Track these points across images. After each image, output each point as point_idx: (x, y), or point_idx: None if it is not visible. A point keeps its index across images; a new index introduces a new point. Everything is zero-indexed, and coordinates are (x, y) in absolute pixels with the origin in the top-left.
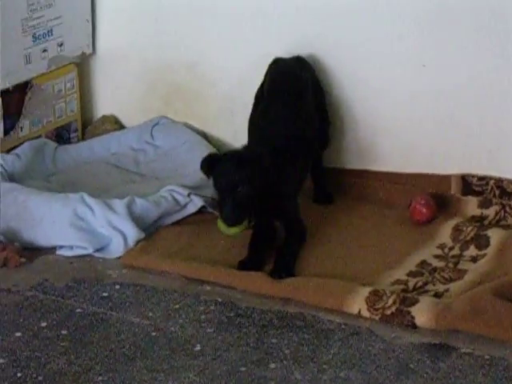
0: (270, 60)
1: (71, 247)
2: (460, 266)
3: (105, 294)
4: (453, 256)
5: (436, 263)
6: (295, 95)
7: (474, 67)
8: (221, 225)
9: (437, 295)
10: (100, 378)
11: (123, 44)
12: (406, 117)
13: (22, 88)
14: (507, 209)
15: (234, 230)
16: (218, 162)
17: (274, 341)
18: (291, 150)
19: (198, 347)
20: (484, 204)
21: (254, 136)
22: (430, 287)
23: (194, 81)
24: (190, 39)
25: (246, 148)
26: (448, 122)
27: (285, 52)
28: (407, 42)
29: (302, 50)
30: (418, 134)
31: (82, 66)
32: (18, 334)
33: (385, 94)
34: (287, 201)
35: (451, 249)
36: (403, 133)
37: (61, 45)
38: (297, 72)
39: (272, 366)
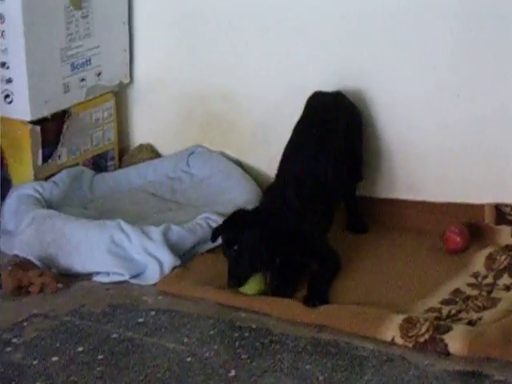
0: (305, 90)
1: (108, 273)
2: (493, 295)
3: (140, 320)
4: (486, 284)
5: (469, 291)
6: (323, 134)
7: (506, 95)
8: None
9: (470, 323)
10: None
11: (160, 73)
12: (438, 146)
13: (61, 117)
14: None
15: (250, 291)
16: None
17: (308, 367)
18: (311, 192)
19: (233, 373)
20: None
21: (280, 171)
22: (463, 315)
23: (230, 110)
24: (227, 68)
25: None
26: (480, 151)
27: (321, 83)
28: (441, 73)
29: (339, 82)
30: (450, 162)
31: (120, 95)
32: (55, 359)
33: (418, 124)
34: (314, 241)
35: (485, 277)
36: (436, 162)
37: (99, 74)
38: (330, 109)
39: None
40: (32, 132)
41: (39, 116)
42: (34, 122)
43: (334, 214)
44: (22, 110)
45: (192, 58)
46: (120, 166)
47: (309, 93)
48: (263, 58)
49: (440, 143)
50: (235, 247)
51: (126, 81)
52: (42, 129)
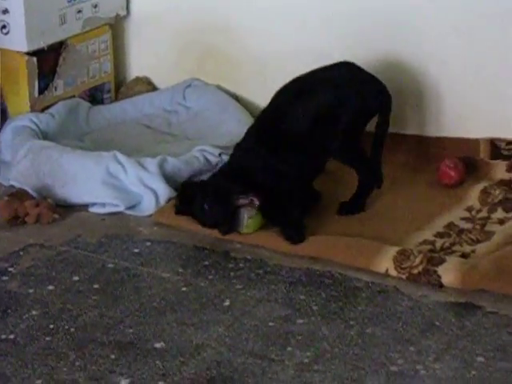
0: (306, 23)
1: (103, 205)
2: (487, 228)
3: (136, 250)
4: (480, 218)
5: (463, 225)
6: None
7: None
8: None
9: (463, 256)
10: (131, 330)
11: (157, 6)
12: (435, 80)
13: (57, 48)
14: None
15: (249, 229)
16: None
17: (301, 297)
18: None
19: (227, 302)
20: None
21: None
22: (456, 248)
23: (227, 43)
24: (225, 2)
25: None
26: (478, 86)
27: (322, 20)
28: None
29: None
30: (447, 97)
31: (117, 27)
32: (51, 288)
33: (413, 57)
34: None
35: (479, 211)
36: (432, 97)
37: (95, 6)
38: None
39: (299, 321)
40: (28, 63)
41: (36, 47)
42: (30, 54)
43: (317, 165)
44: (19, 40)
45: None
46: (116, 99)
47: (309, 27)
48: None
49: (436, 78)
50: (205, 206)
51: (123, 13)
52: (38, 60)
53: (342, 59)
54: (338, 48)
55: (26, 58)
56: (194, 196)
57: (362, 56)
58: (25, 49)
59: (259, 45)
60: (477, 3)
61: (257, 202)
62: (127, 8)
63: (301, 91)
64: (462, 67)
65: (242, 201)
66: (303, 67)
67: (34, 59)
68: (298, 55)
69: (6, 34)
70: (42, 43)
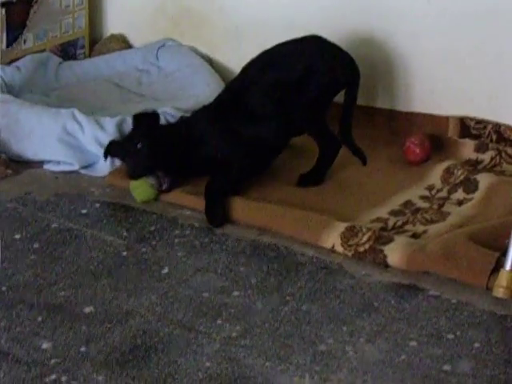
0: None
1: (58, 162)
2: (444, 209)
3: (83, 211)
4: (439, 198)
5: (420, 204)
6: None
7: (486, 12)
8: (133, 191)
9: (414, 236)
10: (62, 293)
11: None
12: (407, 53)
13: (28, 0)
14: (503, 155)
15: (141, 197)
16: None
17: (242, 269)
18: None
19: (166, 270)
20: (480, 148)
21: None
22: (409, 227)
23: (203, 4)
24: None
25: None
26: (450, 63)
27: None
28: None
29: None
30: (418, 72)
31: None
32: None
33: (388, 31)
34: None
35: (439, 191)
36: (403, 70)
37: None
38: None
39: (235, 293)
40: None
41: None
42: None
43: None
44: None
45: None
46: (90, 56)
47: None
48: None
49: (408, 50)
50: (139, 145)
51: None
52: (7, 11)
53: (314, 30)
54: (312, 19)
55: None
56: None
57: (334, 29)
58: None
59: (235, 9)
60: None
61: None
62: None
63: (269, 63)
64: (433, 42)
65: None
66: (277, 35)
67: (3, 10)
68: (273, 23)
69: None
70: None
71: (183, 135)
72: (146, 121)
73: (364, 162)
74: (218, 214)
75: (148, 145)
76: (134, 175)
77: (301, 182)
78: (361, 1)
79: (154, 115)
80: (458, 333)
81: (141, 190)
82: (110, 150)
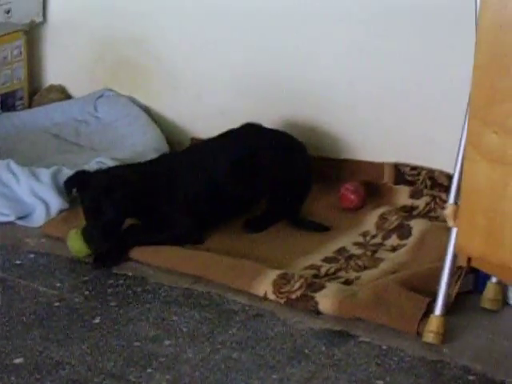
0: (217, 42)
1: None
2: (378, 255)
3: (18, 262)
4: (373, 244)
5: (354, 250)
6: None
7: (416, 56)
8: (74, 244)
9: (347, 282)
10: None
11: (74, 14)
12: (341, 102)
13: None
14: (437, 200)
15: (83, 253)
16: (87, 182)
17: (174, 318)
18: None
19: (98, 320)
20: (415, 194)
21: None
22: (342, 274)
23: (140, 55)
24: (139, 14)
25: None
26: (384, 110)
27: (233, 36)
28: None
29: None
30: (353, 119)
31: (32, 33)
32: None
33: (323, 75)
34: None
35: (374, 237)
36: (338, 118)
37: (8, 12)
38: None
39: (166, 342)
40: None
41: None
42: None
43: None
44: None
45: (105, 2)
46: (30, 106)
47: (222, 45)
48: (177, 6)
49: (343, 99)
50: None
51: (39, 20)
52: None
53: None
54: (247, 70)
55: None
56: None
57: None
58: None
59: (172, 59)
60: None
61: None
62: (43, 15)
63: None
64: (364, 90)
65: None
66: (214, 86)
67: None
68: (210, 74)
69: None
70: None
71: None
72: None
73: (327, 230)
74: (109, 258)
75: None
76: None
77: (247, 227)
78: None
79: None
80: (388, 378)
81: (79, 244)
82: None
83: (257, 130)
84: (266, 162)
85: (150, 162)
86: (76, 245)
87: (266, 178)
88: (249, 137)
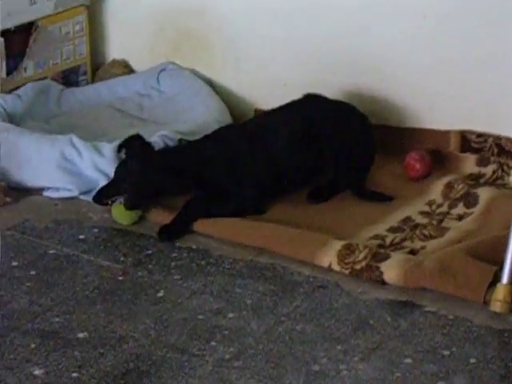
0: (280, 11)
1: (57, 189)
2: (444, 224)
3: (81, 237)
4: (439, 213)
5: (420, 220)
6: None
7: (477, 19)
8: (116, 213)
9: (412, 252)
10: (57, 319)
11: None
12: (405, 70)
13: (27, 29)
14: (505, 168)
15: (127, 221)
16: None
17: (238, 290)
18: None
19: (161, 293)
20: (482, 162)
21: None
22: (407, 244)
23: (202, 27)
24: None
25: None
26: (449, 77)
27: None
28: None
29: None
30: (417, 87)
31: (94, 8)
32: None
33: (386, 45)
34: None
35: (440, 206)
36: (402, 86)
37: None
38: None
39: (230, 315)
40: None
41: (2, 28)
42: None
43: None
44: None
45: None
46: (93, 82)
47: (284, 16)
48: None
49: (407, 67)
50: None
51: None
52: (6, 40)
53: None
54: (309, 41)
55: None
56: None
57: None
58: None
59: (234, 30)
60: None
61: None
62: None
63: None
64: (429, 57)
65: None
66: (277, 56)
67: (1, 40)
68: (272, 44)
69: None
70: (9, 24)
71: (187, 160)
72: (135, 147)
73: (390, 200)
74: (173, 231)
75: (144, 174)
76: (133, 206)
77: (311, 197)
78: None
79: (139, 137)
80: (454, 349)
81: (123, 213)
82: (101, 197)
83: (319, 101)
84: (328, 133)
85: (211, 134)
86: (118, 212)
87: (329, 150)
88: (311, 108)
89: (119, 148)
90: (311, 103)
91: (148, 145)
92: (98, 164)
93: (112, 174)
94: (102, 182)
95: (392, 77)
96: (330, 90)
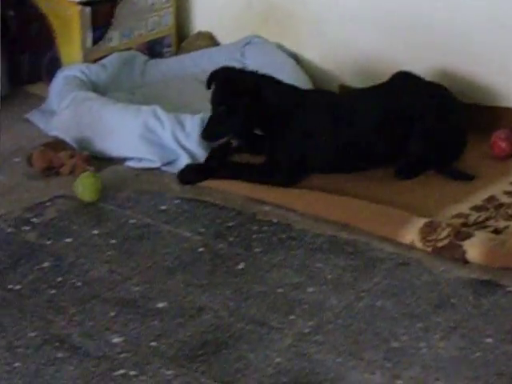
0: None
1: (140, 159)
2: None
3: (163, 207)
4: None
5: (504, 199)
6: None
7: None
8: (76, 189)
9: (496, 231)
10: (137, 288)
11: None
12: (493, 48)
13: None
14: None
15: (88, 197)
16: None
17: (318, 265)
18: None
19: (241, 266)
20: None
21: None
22: (491, 223)
23: (289, 1)
24: None
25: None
26: None
27: None
28: None
29: None
30: (506, 66)
31: None
32: (68, 240)
33: (474, 26)
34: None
35: None
36: (490, 65)
37: None
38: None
39: (310, 289)
40: (82, 13)
41: None
42: (84, 3)
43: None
44: None
45: None
46: (177, 53)
47: None
48: None
49: (496, 46)
50: (223, 107)
51: None
52: (93, 10)
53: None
54: (396, 17)
55: (80, 7)
56: None
57: None
58: None
59: (319, 4)
60: None
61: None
62: None
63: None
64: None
65: None
66: (362, 32)
67: (88, 9)
68: (359, 21)
69: None
70: None
71: (272, 106)
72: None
73: (471, 179)
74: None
75: (228, 110)
76: (208, 137)
77: (399, 173)
78: None
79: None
80: None
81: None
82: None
83: (411, 82)
84: (420, 113)
85: (306, 91)
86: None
87: (420, 130)
88: (404, 90)
89: (208, 83)
90: (404, 85)
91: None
92: (178, 137)
93: (191, 147)
94: (183, 155)
95: (481, 55)
96: (418, 67)
